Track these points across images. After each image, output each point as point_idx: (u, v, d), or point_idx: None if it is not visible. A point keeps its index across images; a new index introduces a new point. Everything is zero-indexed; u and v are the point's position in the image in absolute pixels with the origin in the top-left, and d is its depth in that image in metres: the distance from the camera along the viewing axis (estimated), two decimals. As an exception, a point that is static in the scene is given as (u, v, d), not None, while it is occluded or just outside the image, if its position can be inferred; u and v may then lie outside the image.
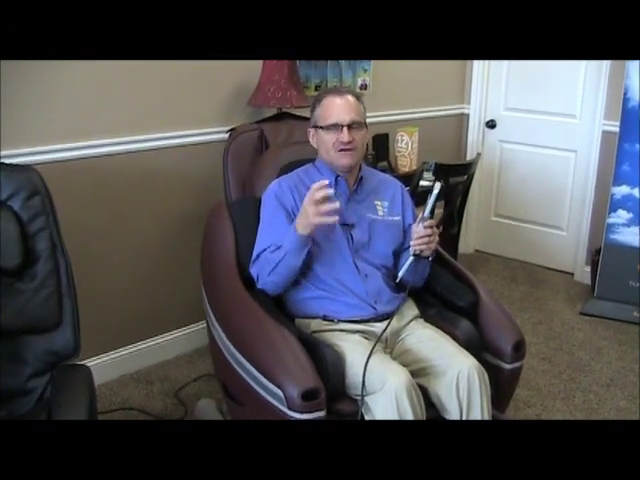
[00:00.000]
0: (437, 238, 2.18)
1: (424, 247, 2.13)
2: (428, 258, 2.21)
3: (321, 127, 2.23)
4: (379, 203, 2.32)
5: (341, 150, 2.20)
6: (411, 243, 2.15)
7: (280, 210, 2.22)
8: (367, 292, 2.19)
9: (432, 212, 2.13)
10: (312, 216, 2.01)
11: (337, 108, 2.20)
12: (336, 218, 2.04)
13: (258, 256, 2.20)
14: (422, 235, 2.12)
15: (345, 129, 2.18)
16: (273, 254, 2.13)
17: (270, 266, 2.13)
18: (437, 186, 2.04)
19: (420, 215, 2.14)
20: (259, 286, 2.20)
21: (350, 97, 2.23)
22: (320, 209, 2.00)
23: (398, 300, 2.24)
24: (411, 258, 2.16)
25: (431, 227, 2.14)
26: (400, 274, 2.21)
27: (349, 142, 2.19)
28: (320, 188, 2.00)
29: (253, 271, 2.21)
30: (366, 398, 1.94)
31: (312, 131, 2.30)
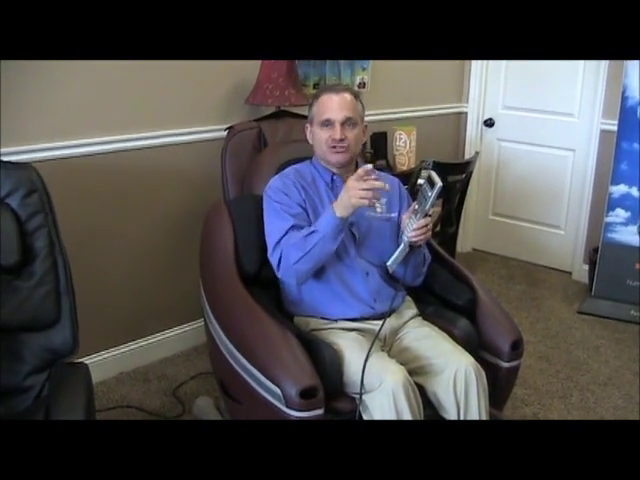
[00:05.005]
0: (430, 226, 2.14)
1: (421, 238, 2.09)
2: (420, 247, 2.18)
3: (316, 123, 2.23)
4: (377, 201, 2.31)
5: (333, 147, 2.20)
6: (405, 233, 2.11)
7: (289, 200, 2.20)
8: (368, 290, 2.20)
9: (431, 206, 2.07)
10: (353, 191, 1.98)
11: (332, 105, 2.20)
12: (372, 200, 2.00)
13: (278, 243, 2.15)
14: (420, 226, 2.07)
15: (338, 126, 2.18)
16: (306, 239, 2.08)
17: (301, 252, 2.08)
18: (438, 178, 1.97)
19: (415, 207, 2.09)
20: (280, 274, 2.16)
21: (347, 95, 2.23)
22: (362, 185, 1.98)
23: (398, 298, 2.24)
24: (402, 246, 2.12)
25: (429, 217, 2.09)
26: (389, 262, 2.15)
27: (341, 139, 2.18)
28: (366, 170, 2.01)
29: (274, 259, 2.16)
30: (363, 396, 1.94)
31: (308, 127, 2.30)
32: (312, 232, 2.09)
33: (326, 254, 2.11)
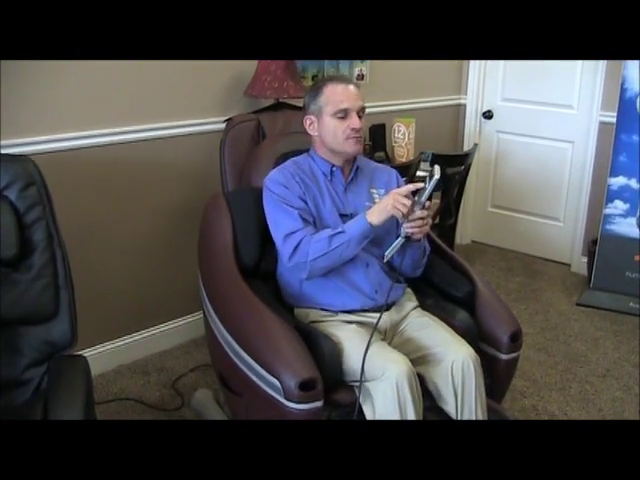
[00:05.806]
0: (430, 221, 2.15)
1: (416, 230, 2.09)
2: (419, 241, 2.18)
3: (327, 113, 2.19)
4: (375, 191, 2.31)
5: (352, 137, 2.19)
6: (403, 225, 2.10)
7: (290, 193, 2.19)
8: (369, 282, 2.19)
9: (430, 197, 2.09)
10: (396, 199, 2.03)
11: (347, 94, 2.19)
12: (404, 217, 2.06)
13: (290, 235, 2.13)
14: (416, 218, 2.07)
15: (355, 115, 2.18)
16: (332, 238, 2.08)
17: (323, 250, 2.08)
18: (437, 171, 1.98)
19: (415, 199, 2.08)
20: (291, 265, 2.14)
21: (353, 86, 2.23)
22: (406, 200, 2.03)
23: (398, 290, 2.25)
24: (400, 239, 2.12)
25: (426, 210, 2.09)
26: (387, 253, 2.15)
27: (359, 129, 2.18)
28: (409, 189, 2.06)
29: (286, 250, 2.13)
30: (366, 384, 1.94)
31: (312, 119, 2.24)
32: (339, 232, 2.09)
33: (345, 257, 2.12)
